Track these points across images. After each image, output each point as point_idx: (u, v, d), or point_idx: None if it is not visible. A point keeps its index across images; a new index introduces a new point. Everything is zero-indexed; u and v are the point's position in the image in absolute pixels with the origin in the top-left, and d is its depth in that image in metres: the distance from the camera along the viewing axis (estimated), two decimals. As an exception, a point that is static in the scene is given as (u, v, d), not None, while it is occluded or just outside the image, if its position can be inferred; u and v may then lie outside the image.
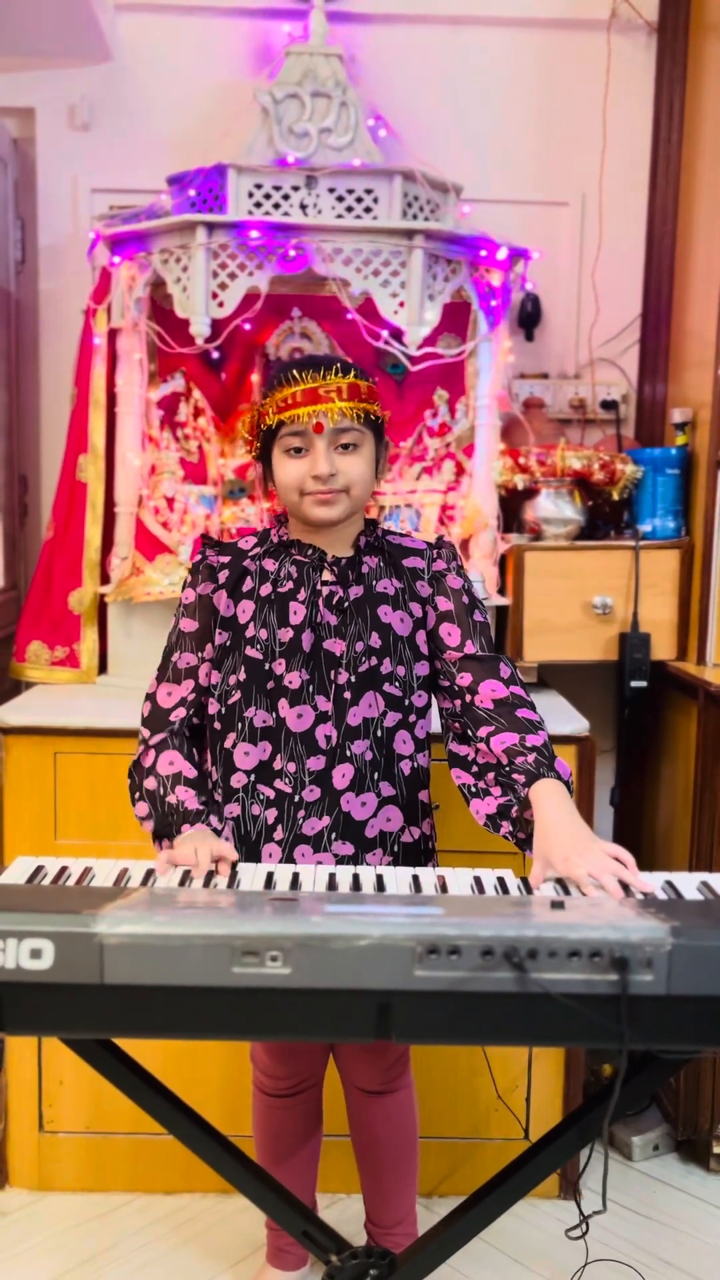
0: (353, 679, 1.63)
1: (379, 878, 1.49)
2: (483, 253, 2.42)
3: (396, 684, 1.66)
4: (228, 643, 1.67)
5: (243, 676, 1.65)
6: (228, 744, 1.66)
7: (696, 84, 2.70)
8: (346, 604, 1.65)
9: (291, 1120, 1.85)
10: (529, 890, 1.44)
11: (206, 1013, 1.18)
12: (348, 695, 1.63)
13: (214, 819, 1.58)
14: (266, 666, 1.64)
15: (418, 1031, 1.20)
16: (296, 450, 1.60)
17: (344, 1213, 2.21)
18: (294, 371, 1.60)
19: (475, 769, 1.62)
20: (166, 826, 1.56)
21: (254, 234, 2.31)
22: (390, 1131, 1.86)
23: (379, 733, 1.64)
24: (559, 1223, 2.24)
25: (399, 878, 1.50)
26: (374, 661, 1.64)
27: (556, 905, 1.30)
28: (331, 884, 1.46)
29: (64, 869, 1.47)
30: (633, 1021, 1.17)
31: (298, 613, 1.64)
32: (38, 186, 2.84)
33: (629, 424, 2.88)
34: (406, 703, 1.66)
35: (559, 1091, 2.28)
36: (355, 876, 1.49)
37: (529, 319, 2.84)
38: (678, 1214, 2.27)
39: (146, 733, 1.67)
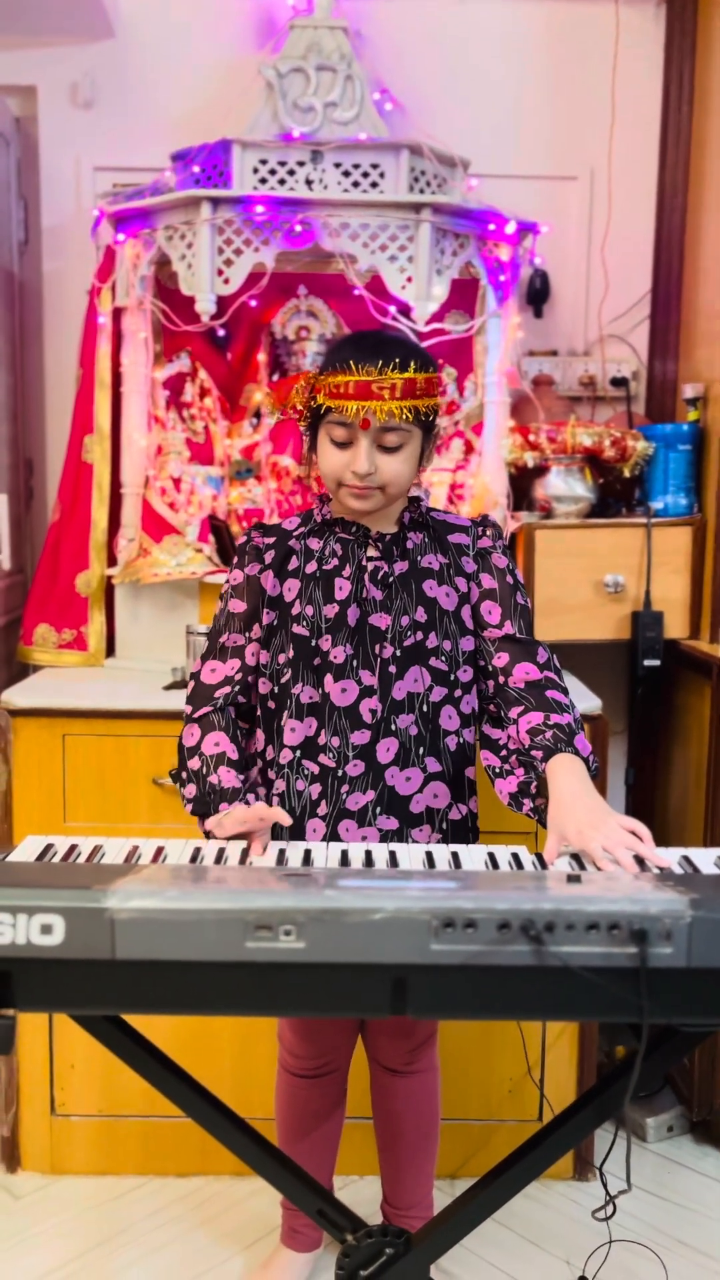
0: (398, 653, 1.62)
1: (392, 854, 1.47)
2: (491, 226, 2.39)
3: (442, 658, 1.64)
4: (275, 621, 1.67)
5: (291, 654, 1.65)
6: (280, 721, 1.66)
7: (706, 56, 2.66)
8: (391, 579, 1.64)
9: (315, 1100, 1.84)
10: (543, 865, 1.43)
11: (219, 988, 1.16)
12: (392, 669, 1.62)
13: (251, 798, 1.57)
14: (313, 643, 1.63)
15: (434, 1006, 1.18)
16: (341, 441, 1.58)
17: (358, 1195, 2.20)
18: (351, 359, 1.54)
19: (504, 753, 1.62)
20: (205, 806, 1.56)
21: (259, 209, 2.28)
22: (412, 1112, 1.85)
23: (424, 707, 1.63)
24: (574, 1204, 2.23)
25: (411, 854, 1.48)
26: (419, 636, 1.63)
27: (573, 879, 1.28)
28: (344, 860, 1.45)
29: (74, 847, 1.45)
30: (652, 995, 1.15)
31: (343, 588, 1.64)
32: (40, 166, 2.81)
33: (639, 401, 2.85)
34: (452, 677, 1.65)
35: (573, 1076, 2.27)
36: (368, 853, 1.47)
37: (538, 295, 2.80)
38: (693, 1195, 2.25)
39: (190, 709, 1.67)
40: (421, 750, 1.63)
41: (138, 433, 2.52)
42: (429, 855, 1.47)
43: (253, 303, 2.41)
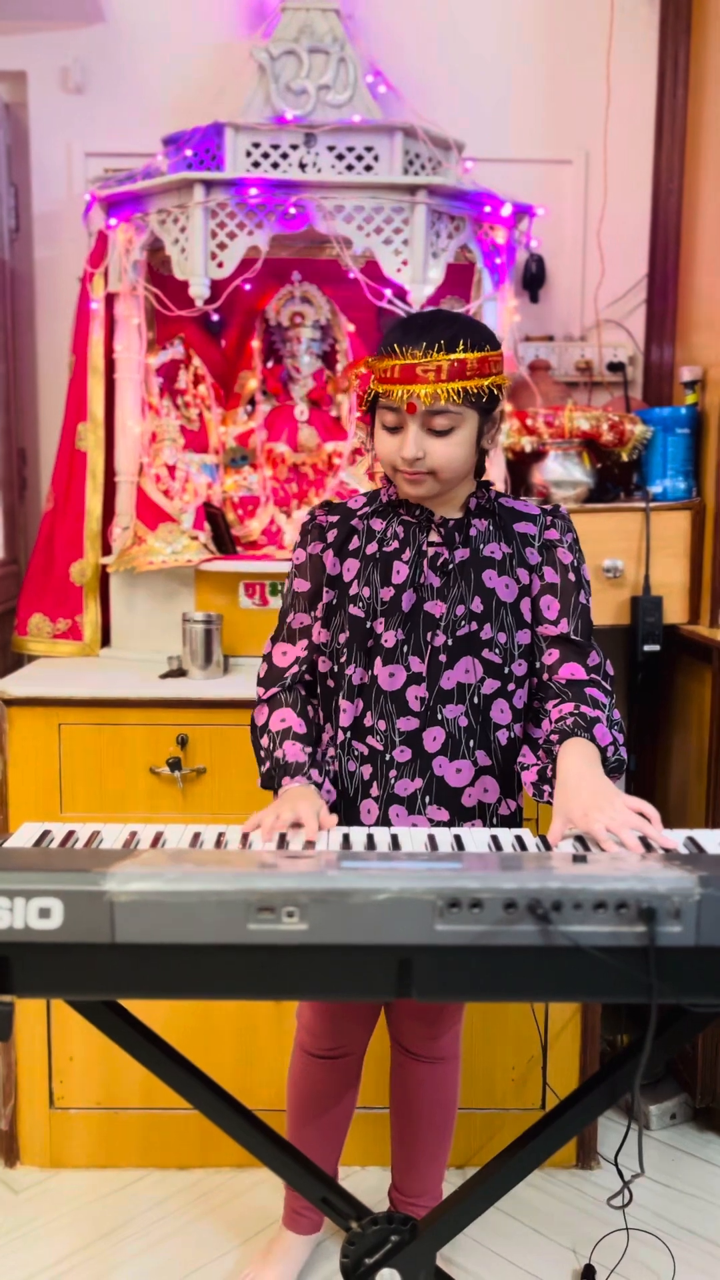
0: (449, 642, 1.60)
1: (394, 836, 1.45)
2: (487, 209, 2.37)
3: (497, 650, 1.61)
4: (334, 601, 1.65)
5: (347, 634, 1.63)
6: (337, 701, 1.65)
7: (701, 39, 2.64)
8: (451, 566, 1.61)
9: (328, 1081, 1.83)
10: (547, 847, 1.41)
11: (221, 972, 1.14)
12: (443, 658, 1.60)
13: (315, 773, 1.57)
14: (367, 625, 1.62)
15: (439, 988, 1.16)
16: (392, 427, 1.55)
17: (361, 1184, 2.18)
18: (396, 343, 1.51)
19: (537, 750, 1.60)
20: (271, 780, 1.57)
21: (253, 192, 2.26)
22: (430, 1099, 1.84)
23: (475, 699, 1.60)
24: (578, 1193, 2.21)
25: (414, 837, 1.46)
26: (474, 626, 1.60)
27: (578, 859, 1.27)
28: (347, 844, 1.43)
29: (71, 833, 1.43)
30: (661, 974, 1.13)
31: (400, 572, 1.61)
32: (30, 152, 2.78)
33: (636, 386, 2.83)
34: (506, 670, 1.62)
35: (576, 1065, 2.25)
36: (370, 835, 1.45)
37: (533, 280, 2.78)
38: (698, 1183, 2.24)
39: (261, 690, 1.68)
40: (471, 743, 1.61)
41: (132, 420, 2.50)
42: (431, 838, 1.45)
43: (247, 287, 2.39)
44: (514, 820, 1.68)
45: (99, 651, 2.55)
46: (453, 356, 1.50)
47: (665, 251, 2.75)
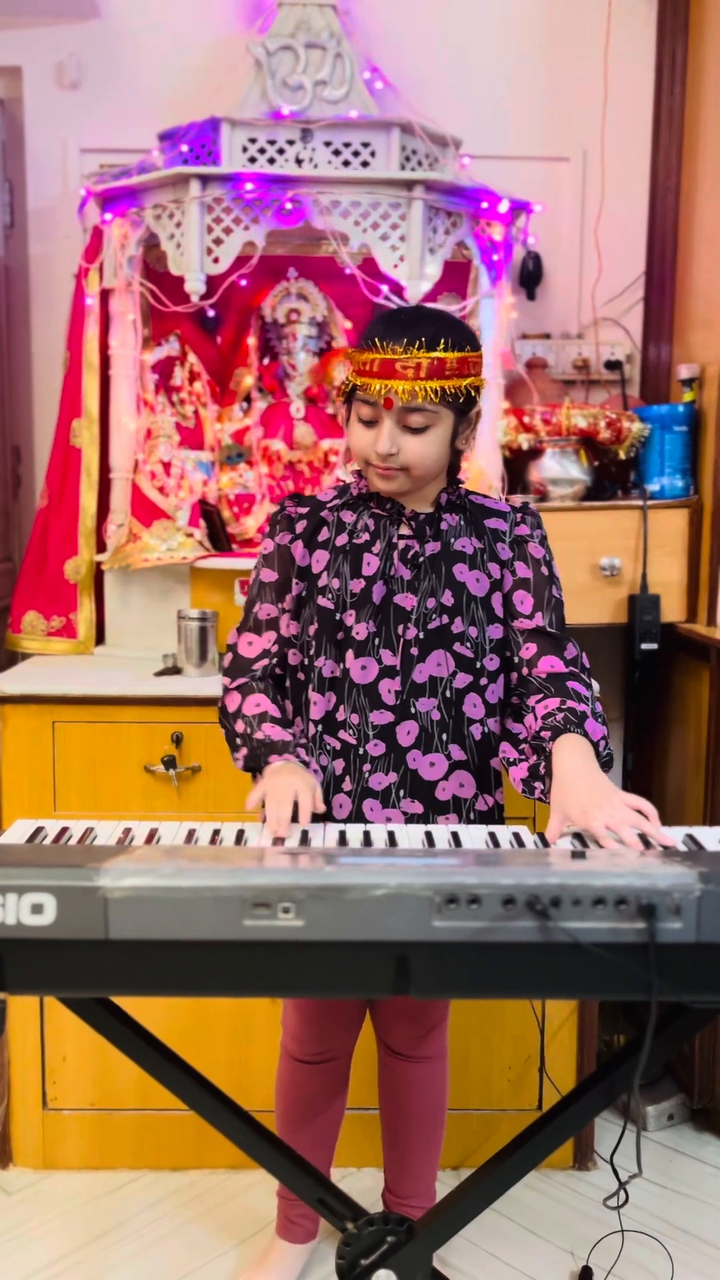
0: (421, 635, 1.59)
1: (390, 834, 1.44)
2: (484, 205, 2.36)
3: (468, 644, 1.60)
4: (303, 593, 1.64)
5: (316, 626, 1.62)
6: (307, 694, 1.64)
7: (699, 36, 2.63)
8: (421, 559, 1.60)
9: (316, 1086, 1.81)
10: (545, 845, 1.40)
11: (216, 969, 1.13)
12: (414, 651, 1.59)
13: (302, 751, 1.56)
14: (337, 617, 1.61)
15: (437, 985, 1.15)
16: (368, 420, 1.54)
17: (356, 1186, 2.17)
18: (377, 337, 1.51)
19: (520, 745, 1.59)
20: (255, 759, 1.55)
21: (249, 186, 2.25)
22: (419, 1099, 1.83)
23: (448, 693, 1.60)
24: (574, 1193, 2.20)
25: (410, 834, 1.45)
26: (444, 620, 1.60)
27: (577, 855, 1.26)
28: (341, 840, 1.42)
29: (65, 830, 1.41)
30: (661, 971, 1.12)
31: (370, 564, 1.60)
32: (26, 148, 2.77)
33: (633, 385, 2.82)
34: (478, 665, 1.61)
35: (573, 1065, 2.24)
36: (366, 833, 1.44)
37: (530, 278, 2.77)
38: (695, 1184, 2.23)
39: (228, 680, 1.66)
40: (445, 736, 1.60)
41: (127, 416, 2.49)
42: (428, 835, 1.44)
43: (243, 283, 2.38)
44: (493, 816, 1.66)
45: (93, 649, 2.53)
46: (433, 355, 1.49)
47: (663, 249, 2.75)
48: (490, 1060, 2.24)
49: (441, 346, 1.50)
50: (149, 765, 2.15)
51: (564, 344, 2.81)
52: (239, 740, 1.59)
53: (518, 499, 2.49)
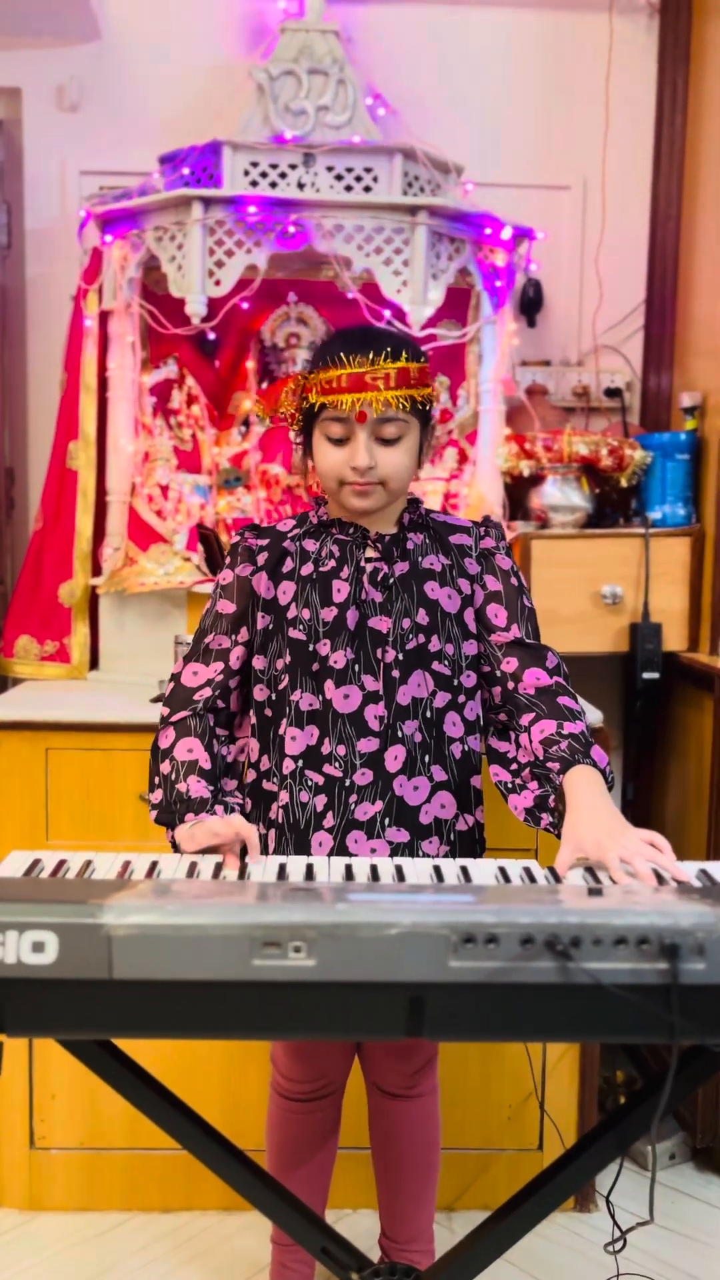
0: (400, 656, 1.56)
1: (398, 868, 1.40)
2: (487, 231, 2.35)
3: (445, 662, 1.58)
4: (270, 626, 1.60)
5: (288, 659, 1.58)
6: (280, 730, 1.58)
7: (700, 66, 2.64)
8: (392, 580, 1.58)
9: (308, 1127, 1.76)
10: (557, 879, 1.36)
11: (224, 1010, 1.09)
12: (396, 674, 1.56)
13: (219, 810, 1.49)
14: (310, 648, 1.57)
15: (452, 1027, 1.11)
16: (338, 439, 1.53)
17: (355, 1228, 2.11)
18: (341, 353, 1.50)
19: (514, 766, 1.56)
20: (170, 815, 1.48)
21: (252, 210, 2.23)
22: (412, 1138, 1.77)
23: (428, 713, 1.57)
24: (576, 1236, 2.15)
25: (418, 868, 1.41)
26: (422, 639, 1.57)
27: (594, 892, 1.22)
28: (348, 874, 1.38)
29: (62, 862, 1.37)
30: (684, 1012, 1.08)
31: (341, 590, 1.57)
32: (24, 169, 2.75)
33: (633, 412, 2.81)
34: (455, 682, 1.59)
35: (574, 1102, 2.19)
36: (373, 867, 1.40)
37: (531, 304, 2.77)
38: (698, 1225, 2.18)
39: (166, 710, 1.60)
40: (427, 758, 1.57)
41: (124, 439, 2.46)
42: (437, 869, 1.40)
43: (244, 305, 2.36)
44: (472, 836, 1.63)
45: (87, 674, 2.49)
46: (399, 365, 1.49)
47: (663, 278, 2.74)
48: (488, 1098, 2.19)
49: (404, 357, 1.50)
50: (143, 794, 2.10)
51: (564, 371, 2.80)
52: (158, 781, 1.53)
53: (518, 524, 2.47)
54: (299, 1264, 1.86)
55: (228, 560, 1.65)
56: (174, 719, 1.58)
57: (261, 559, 1.62)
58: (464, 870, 1.40)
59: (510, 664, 1.58)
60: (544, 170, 2.79)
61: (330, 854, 1.55)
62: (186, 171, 2.37)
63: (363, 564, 1.58)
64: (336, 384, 1.49)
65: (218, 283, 2.26)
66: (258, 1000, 1.08)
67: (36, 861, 1.37)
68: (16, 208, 2.78)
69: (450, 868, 1.41)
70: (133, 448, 2.47)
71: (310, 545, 1.62)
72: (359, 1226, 2.11)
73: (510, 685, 1.57)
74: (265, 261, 2.29)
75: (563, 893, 1.25)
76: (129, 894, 1.12)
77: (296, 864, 1.40)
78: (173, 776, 1.51)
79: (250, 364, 2.69)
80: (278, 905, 1.11)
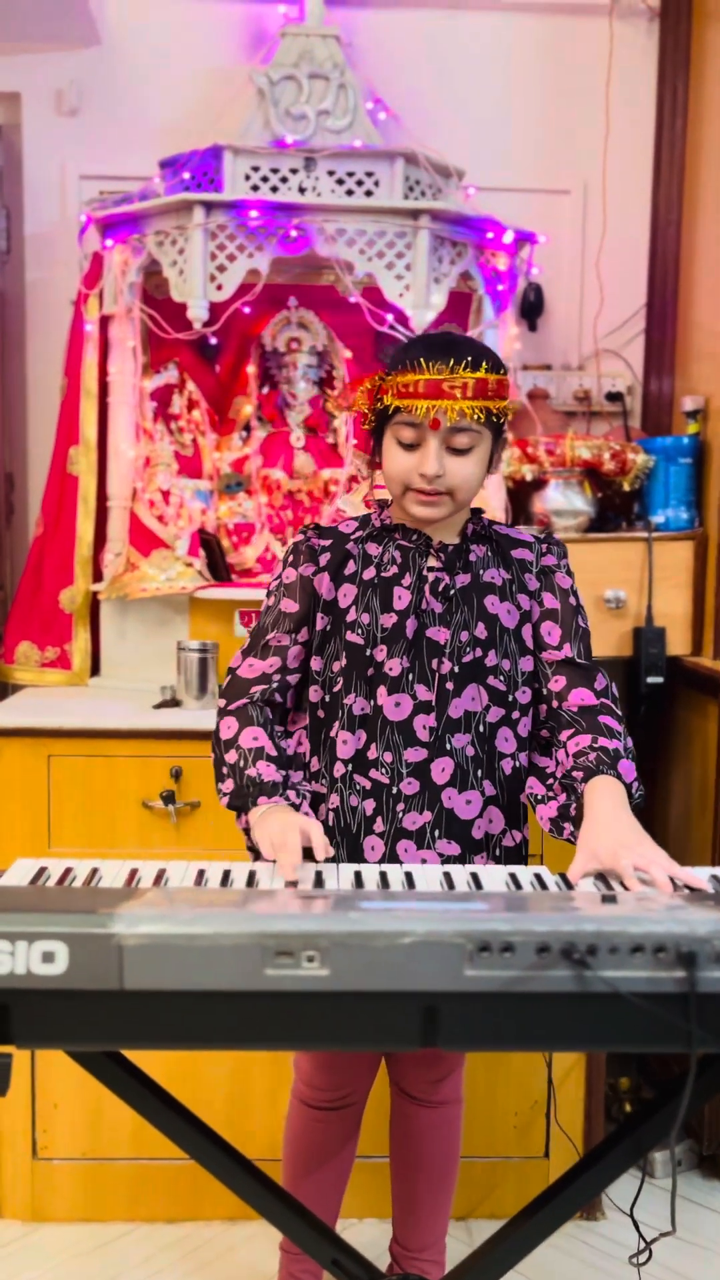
0: (455, 669, 1.55)
1: (408, 874, 1.39)
2: (489, 235, 2.35)
3: (501, 678, 1.57)
4: (328, 627, 1.59)
5: (344, 662, 1.57)
6: (331, 732, 1.58)
7: (700, 70, 2.64)
8: (453, 591, 1.56)
9: (328, 1133, 1.74)
10: (569, 886, 1.35)
11: (237, 1020, 1.07)
12: (450, 686, 1.55)
13: (292, 794, 1.51)
14: (367, 652, 1.56)
15: (467, 1037, 1.10)
16: (409, 443, 1.51)
17: (360, 1237, 2.09)
18: (421, 358, 1.48)
19: (549, 780, 1.55)
20: (243, 799, 1.49)
21: (254, 214, 2.22)
22: (433, 1145, 1.76)
23: (481, 728, 1.56)
24: (583, 1245, 2.13)
25: (428, 875, 1.40)
26: (479, 653, 1.56)
27: (608, 899, 1.21)
28: (358, 881, 1.37)
29: (68, 870, 1.36)
30: (702, 1021, 1.07)
31: (402, 598, 1.56)
32: (24, 174, 2.74)
33: (634, 416, 2.81)
34: (510, 698, 1.57)
35: (581, 1110, 2.18)
36: (383, 874, 1.39)
37: (531, 309, 2.77)
38: (705, 1232, 2.16)
39: (224, 702, 1.60)
40: (479, 773, 1.56)
41: (125, 444, 2.45)
42: (447, 875, 1.39)
43: (246, 310, 2.35)
44: (519, 853, 1.62)
45: (88, 681, 2.48)
46: (477, 375, 1.47)
47: (664, 282, 2.74)
48: (495, 1106, 2.18)
49: (484, 368, 1.48)
50: (147, 801, 2.09)
51: (565, 375, 2.80)
52: (227, 771, 1.53)
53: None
54: (307, 1273, 1.84)
55: (289, 559, 1.64)
56: (232, 708, 1.58)
57: (324, 559, 1.61)
58: (474, 877, 1.39)
59: (558, 682, 1.57)
60: (544, 174, 2.79)
61: (382, 860, 1.55)
62: (187, 176, 2.36)
63: (425, 573, 1.57)
64: (413, 389, 1.48)
65: (219, 287, 2.25)
66: (270, 1011, 1.07)
67: (42, 870, 1.35)
68: (16, 212, 2.77)
69: (460, 874, 1.40)
70: (134, 453, 2.46)
71: (373, 549, 1.61)
72: (364, 1236, 2.09)
73: (555, 703, 1.56)
74: (267, 266, 2.28)
75: (576, 900, 1.24)
76: (139, 903, 1.11)
77: (305, 872, 1.39)
78: (241, 764, 1.51)
79: (251, 369, 2.68)
80: (290, 914, 1.10)
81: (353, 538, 1.62)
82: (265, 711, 1.58)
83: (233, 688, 1.61)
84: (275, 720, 1.61)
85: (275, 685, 1.60)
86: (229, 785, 1.52)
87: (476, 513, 1.63)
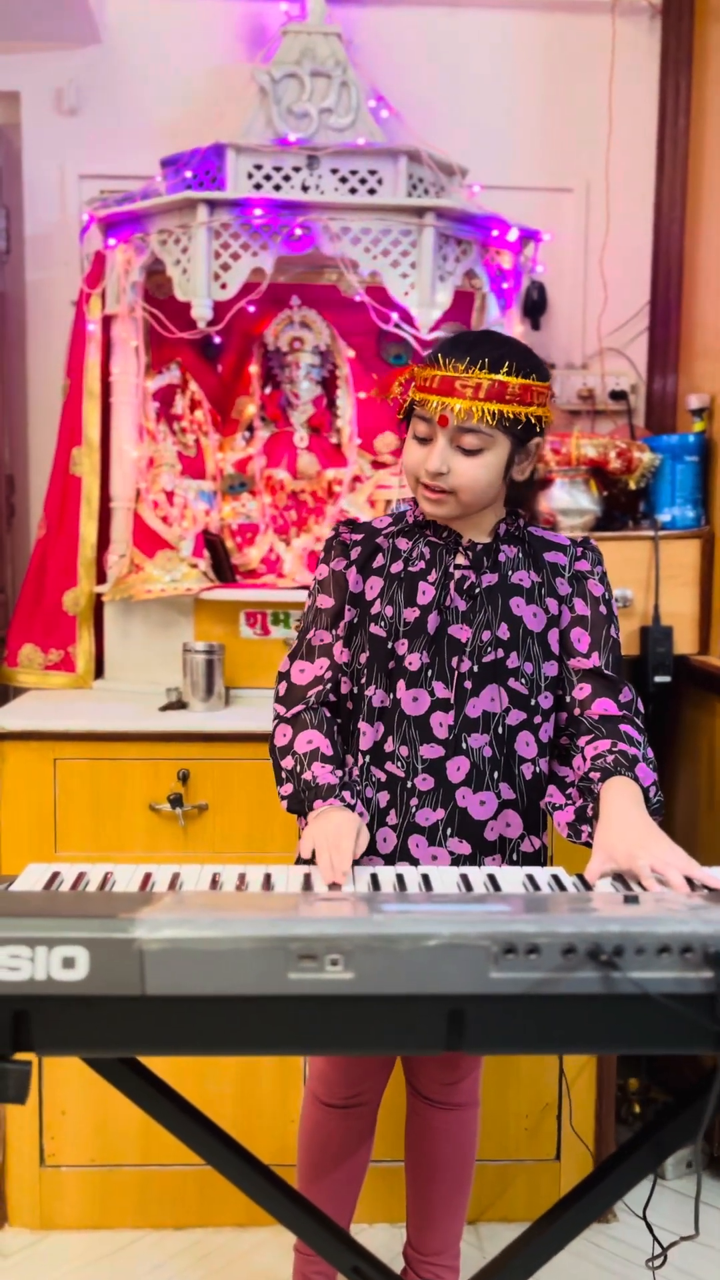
0: (475, 668, 1.54)
1: (424, 877, 1.38)
2: (494, 233, 2.34)
3: (522, 680, 1.55)
4: (355, 620, 1.59)
5: (368, 654, 1.57)
6: (355, 724, 1.59)
7: (702, 67, 2.63)
8: (478, 590, 1.55)
9: (343, 1133, 1.73)
10: (586, 886, 1.34)
11: (260, 1025, 1.06)
12: (468, 685, 1.54)
13: (347, 794, 1.51)
14: (389, 645, 1.56)
15: (492, 1040, 1.09)
16: (422, 437, 1.51)
17: (371, 1241, 2.07)
18: (440, 353, 1.48)
19: (568, 790, 1.54)
20: (300, 803, 1.51)
21: (258, 212, 2.21)
22: (449, 1150, 1.75)
23: (500, 729, 1.54)
24: (595, 1248, 2.12)
25: (445, 877, 1.39)
26: (499, 653, 1.54)
27: (629, 900, 1.20)
28: (374, 884, 1.36)
29: (82, 875, 1.34)
30: (729, 1023, 1.06)
31: (426, 593, 1.55)
32: (23, 174, 2.73)
33: (638, 415, 2.80)
34: (532, 702, 1.55)
35: (592, 1113, 2.17)
36: (399, 876, 1.38)
37: (535, 307, 2.75)
38: (718, 1234, 2.15)
39: (282, 709, 1.61)
40: (496, 774, 1.54)
41: (128, 444, 2.43)
42: (464, 877, 1.38)
43: (251, 309, 2.34)
44: (539, 858, 1.61)
45: (92, 683, 2.46)
46: (494, 377, 1.46)
47: (667, 280, 2.73)
48: (505, 1108, 2.17)
49: (505, 370, 1.46)
50: (154, 803, 2.07)
51: (569, 374, 2.79)
52: (285, 776, 1.55)
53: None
54: (320, 1275, 1.83)
55: (323, 555, 1.65)
56: (288, 715, 1.59)
57: (355, 554, 1.61)
58: (491, 879, 1.38)
59: (583, 691, 1.55)
60: (547, 173, 2.78)
61: (393, 852, 1.55)
62: (189, 174, 2.34)
63: (451, 570, 1.56)
64: (429, 383, 1.48)
65: (223, 286, 2.24)
66: (294, 1015, 1.06)
67: (55, 875, 1.34)
68: (16, 212, 2.75)
69: (478, 876, 1.39)
70: (137, 453, 2.44)
71: (403, 544, 1.61)
72: (376, 1241, 2.08)
73: (578, 711, 1.55)
74: (271, 264, 2.26)
75: (597, 901, 1.23)
76: (159, 907, 1.09)
77: (319, 875, 1.38)
78: (297, 769, 1.53)
79: (254, 368, 2.66)
80: (313, 917, 1.08)
81: (384, 532, 1.62)
82: (322, 712, 1.59)
83: (290, 696, 1.61)
84: (333, 719, 1.61)
85: (329, 686, 1.60)
86: (287, 789, 1.54)
87: (513, 513, 1.61)
